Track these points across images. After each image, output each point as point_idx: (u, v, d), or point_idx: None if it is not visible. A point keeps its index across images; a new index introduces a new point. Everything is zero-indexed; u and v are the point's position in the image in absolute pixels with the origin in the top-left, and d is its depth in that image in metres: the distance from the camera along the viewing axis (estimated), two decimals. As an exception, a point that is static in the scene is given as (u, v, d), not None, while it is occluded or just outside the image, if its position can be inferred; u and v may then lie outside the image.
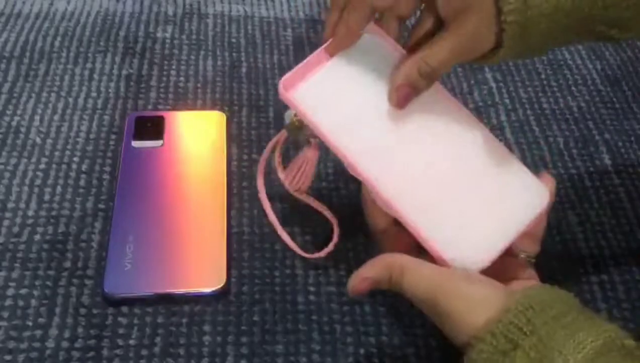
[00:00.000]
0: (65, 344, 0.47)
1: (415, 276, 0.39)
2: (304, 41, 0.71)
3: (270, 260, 0.52)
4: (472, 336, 0.37)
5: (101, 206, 0.55)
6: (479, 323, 0.36)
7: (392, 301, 0.50)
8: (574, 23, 0.41)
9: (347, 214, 0.56)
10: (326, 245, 0.52)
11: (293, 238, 0.54)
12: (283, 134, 0.49)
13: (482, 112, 0.65)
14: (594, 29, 0.42)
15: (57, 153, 0.58)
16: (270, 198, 0.56)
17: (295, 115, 0.44)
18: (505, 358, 0.35)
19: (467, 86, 0.67)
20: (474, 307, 0.37)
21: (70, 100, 0.63)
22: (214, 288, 0.49)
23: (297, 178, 0.48)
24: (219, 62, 0.68)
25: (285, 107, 0.44)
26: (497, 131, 0.63)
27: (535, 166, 0.60)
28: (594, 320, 0.36)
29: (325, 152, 0.60)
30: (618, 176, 0.60)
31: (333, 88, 0.43)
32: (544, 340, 0.35)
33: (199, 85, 0.66)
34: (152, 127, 0.60)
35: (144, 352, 0.47)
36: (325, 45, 0.44)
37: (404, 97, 0.42)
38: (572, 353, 0.34)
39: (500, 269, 0.40)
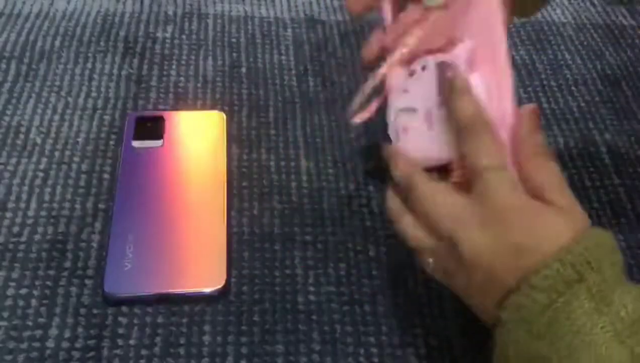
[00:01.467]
0: (65, 344, 0.47)
1: None
2: (304, 41, 0.71)
3: (270, 260, 0.52)
4: (537, 263, 0.36)
5: (101, 206, 0.55)
6: (550, 250, 0.36)
7: (392, 301, 0.50)
8: None
9: (347, 214, 0.56)
10: (327, 242, 0.52)
11: (293, 238, 0.54)
12: None
13: (482, 112, 0.65)
14: None
15: (57, 153, 0.58)
16: (270, 198, 0.56)
17: None
18: (567, 289, 0.35)
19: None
20: (544, 235, 0.37)
21: (70, 100, 0.63)
22: (214, 288, 0.49)
23: None
24: (219, 62, 0.68)
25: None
26: (497, 131, 0.63)
27: (535, 166, 0.60)
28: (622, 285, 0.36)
29: (324, 152, 0.60)
30: (618, 176, 0.60)
31: None
32: (609, 280, 0.35)
33: (199, 85, 0.66)
34: (152, 127, 0.60)
35: (144, 352, 0.47)
36: None
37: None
38: (631, 301, 0.34)
39: None
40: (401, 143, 0.46)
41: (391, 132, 0.47)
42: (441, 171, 0.43)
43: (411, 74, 0.45)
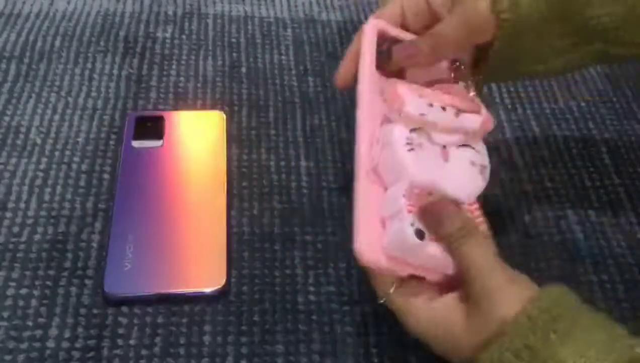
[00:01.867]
0: (65, 344, 0.47)
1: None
2: (304, 41, 0.71)
3: (270, 260, 0.52)
4: (468, 357, 0.37)
5: (101, 206, 0.55)
6: (474, 344, 0.37)
7: (392, 301, 0.50)
8: (561, 25, 0.42)
9: (347, 214, 0.56)
10: (327, 242, 0.52)
11: (293, 238, 0.54)
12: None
13: (482, 112, 0.65)
14: (589, 42, 0.43)
15: (57, 153, 0.58)
16: (270, 198, 0.56)
17: None
18: None
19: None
20: (469, 328, 0.38)
21: (70, 100, 0.63)
22: (214, 288, 0.49)
23: None
24: (219, 62, 0.68)
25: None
26: (497, 131, 0.63)
27: (535, 166, 0.60)
28: (604, 327, 0.36)
29: (324, 152, 0.60)
30: (618, 176, 0.60)
31: None
32: (549, 361, 0.34)
33: (199, 85, 0.66)
34: (152, 127, 0.60)
35: (144, 352, 0.47)
36: None
37: (406, 55, 0.45)
38: None
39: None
40: (413, 155, 0.42)
41: (398, 141, 0.42)
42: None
43: (430, 105, 0.43)
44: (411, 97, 0.42)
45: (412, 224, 0.39)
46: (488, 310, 0.37)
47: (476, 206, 0.42)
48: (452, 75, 0.47)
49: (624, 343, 0.35)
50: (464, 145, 0.44)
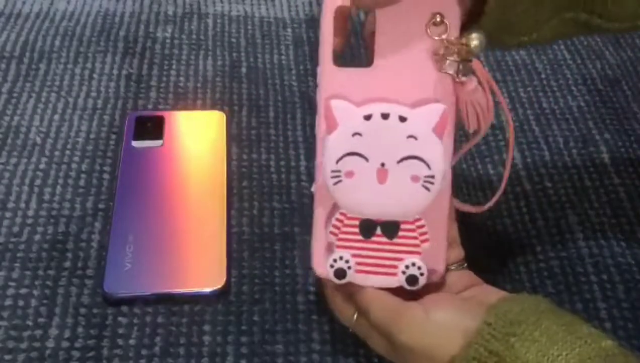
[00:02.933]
0: (65, 344, 0.47)
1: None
2: (304, 41, 0.71)
3: (270, 260, 0.52)
4: None
5: (101, 206, 0.55)
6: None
7: (392, 301, 0.50)
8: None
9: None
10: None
11: (293, 238, 0.54)
12: None
13: (482, 112, 0.65)
14: (576, 15, 0.42)
15: (57, 153, 0.58)
16: (270, 198, 0.56)
17: None
18: None
19: (467, 86, 0.67)
20: (432, 345, 0.38)
21: (70, 100, 0.63)
22: (214, 288, 0.49)
23: None
24: (219, 62, 0.68)
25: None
26: (497, 131, 0.63)
27: (535, 166, 0.60)
28: (570, 326, 0.36)
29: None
30: (618, 176, 0.60)
31: None
32: None
33: (199, 85, 0.66)
34: (152, 127, 0.60)
35: (144, 352, 0.47)
36: None
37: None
38: None
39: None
40: (341, 187, 0.39)
41: (326, 171, 0.39)
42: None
43: (367, 117, 0.39)
44: (346, 114, 0.39)
45: (334, 261, 0.40)
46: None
47: (420, 223, 0.41)
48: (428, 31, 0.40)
49: (590, 339, 0.35)
50: (407, 157, 0.39)
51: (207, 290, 0.49)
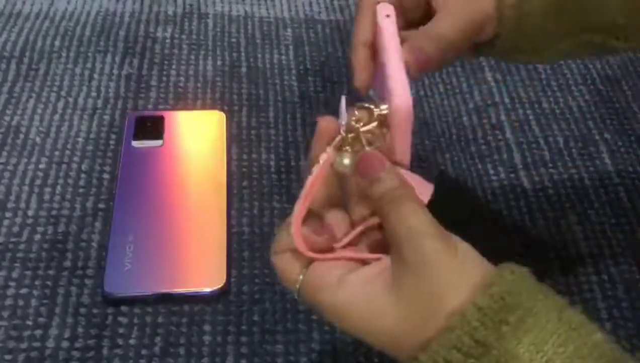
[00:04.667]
0: (65, 344, 0.47)
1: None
2: (304, 41, 0.71)
3: (270, 260, 0.52)
4: (412, 357, 0.32)
5: (101, 206, 0.55)
6: (417, 341, 0.32)
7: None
8: (563, 18, 0.41)
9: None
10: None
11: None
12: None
13: (482, 112, 0.65)
14: (590, 33, 0.42)
15: (57, 153, 0.58)
16: (270, 198, 0.56)
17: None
18: None
19: (467, 85, 0.67)
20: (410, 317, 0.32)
21: (70, 100, 0.63)
22: (214, 288, 0.49)
23: None
24: (219, 62, 0.68)
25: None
26: (497, 131, 0.63)
27: (535, 166, 0.60)
28: (561, 313, 0.32)
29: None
30: (618, 176, 0.60)
31: None
32: (502, 359, 0.30)
33: (199, 85, 0.66)
34: (152, 127, 0.60)
35: (144, 352, 0.47)
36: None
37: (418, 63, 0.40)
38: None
39: None
40: None
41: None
42: None
43: None
44: None
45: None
46: (427, 293, 0.32)
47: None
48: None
49: (583, 331, 0.31)
50: None
51: (207, 290, 0.49)
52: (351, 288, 0.34)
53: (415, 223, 0.33)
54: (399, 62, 0.38)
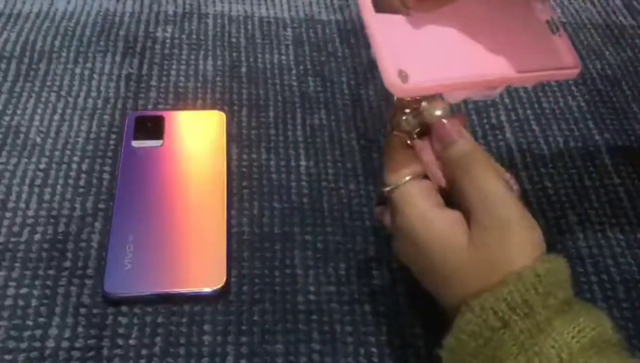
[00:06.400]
0: (65, 344, 0.47)
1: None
2: (304, 41, 0.71)
3: (270, 260, 0.52)
4: (462, 300, 0.35)
5: (101, 206, 0.55)
6: (472, 288, 0.35)
7: (392, 301, 0.50)
8: None
9: (347, 214, 0.56)
10: (327, 242, 0.52)
11: (293, 238, 0.54)
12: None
13: (482, 112, 0.65)
14: None
15: (57, 153, 0.58)
16: (270, 198, 0.56)
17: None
18: (493, 334, 0.34)
19: (467, 86, 0.67)
20: (472, 269, 0.35)
21: (70, 100, 0.63)
22: (214, 288, 0.49)
23: None
24: (219, 62, 0.68)
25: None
26: (497, 131, 0.63)
27: (535, 166, 0.60)
28: (589, 306, 0.35)
29: (324, 152, 0.60)
30: (618, 176, 0.60)
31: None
32: (541, 324, 0.33)
33: (199, 85, 0.66)
34: (152, 127, 0.60)
35: (144, 352, 0.47)
36: None
37: None
38: (569, 341, 0.32)
39: None
40: None
41: None
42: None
43: None
44: None
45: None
46: (497, 245, 0.35)
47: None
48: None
49: (606, 324, 0.34)
50: None
51: (207, 289, 0.49)
52: (440, 217, 0.37)
53: (489, 188, 0.36)
54: None
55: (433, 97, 0.40)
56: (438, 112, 0.40)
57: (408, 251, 0.39)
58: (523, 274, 0.34)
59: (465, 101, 0.65)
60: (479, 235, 0.36)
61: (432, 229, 0.37)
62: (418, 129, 0.41)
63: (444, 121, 0.39)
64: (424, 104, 0.40)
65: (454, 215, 0.38)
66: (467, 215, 0.37)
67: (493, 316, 0.34)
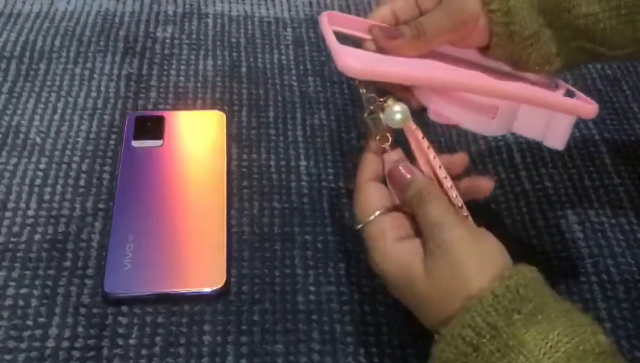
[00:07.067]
0: (65, 344, 0.47)
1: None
2: (304, 41, 0.71)
3: (270, 260, 0.52)
4: (435, 328, 0.37)
5: (101, 206, 0.55)
6: (441, 314, 0.36)
7: (392, 301, 0.50)
8: (550, 20, 0.43)
9: (347, 214, 0.56)
10: (327, 242, 0.52)
11: (293, 238, 0.54)
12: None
13: (482, 112, 0.65)
14: (577, 39, 0.43)
15: (57, 153, 0.58)
16: (270, 198, 0.56)
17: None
18: (467, 358, 0.35)
19: (467, 86, 0.67)
20: (442, 294, 0.36)
21: (70, 100, 0.63)
22: (214, 288, 0.49)
23: None
24: (219, 62, 0.68)
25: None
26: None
27: (535, 166, 0.60)
28: (569, 313, 0.35)
29: (324, 152, 0.60)
30: (618, 176, 0.60)
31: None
32: (510, 342, 0.34)
33: (199, 85, 0.66)
34: (152, 127, 0.60)
35: (144, 352, 0.47)
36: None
37: (386, 35, 0.44)
38: (540, 358, 0.33)
39: None
40: None
41: None
42: None
43: None
44: None
45: None
46: (446, 269, 0.36)
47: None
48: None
49: (588, 330, 0.34)
50: None
51: (207, 289, 0.49)
52: (400, 251, 0.39)
53: (437, 218, 0.38)
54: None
55: (395, 100, 0.42)
56: (397, 108, 0.42)
57: (384, 283, 0.41)
58: (482, 297, 0.35)
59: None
60: (431, 264, 0.37)
61: (395, 263, 0.39)
62: (390, 141, 0.43)
63: (398, 166, 0.41)
64: (389, 102, 0.42)
65: (413, 246, 0.39)
66: (425, 242, 0.39)
67: (462, 342, 0.35)
